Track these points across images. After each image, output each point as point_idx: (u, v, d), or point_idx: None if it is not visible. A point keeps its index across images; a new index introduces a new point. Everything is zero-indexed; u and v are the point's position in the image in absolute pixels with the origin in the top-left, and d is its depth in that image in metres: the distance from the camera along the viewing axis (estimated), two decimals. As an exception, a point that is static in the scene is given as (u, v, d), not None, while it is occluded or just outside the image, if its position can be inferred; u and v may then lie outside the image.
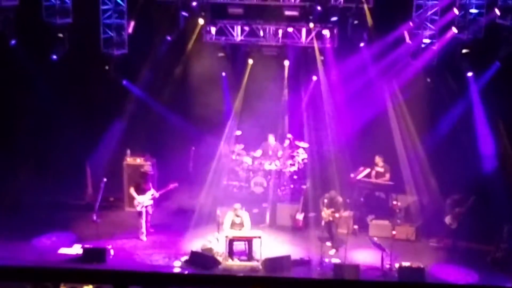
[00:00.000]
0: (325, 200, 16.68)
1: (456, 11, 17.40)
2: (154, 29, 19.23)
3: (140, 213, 16.69)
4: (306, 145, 19.64)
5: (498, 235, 16.06)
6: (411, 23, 17.89)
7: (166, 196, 18.86)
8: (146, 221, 16.86)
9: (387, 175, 18.23)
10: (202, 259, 15.64)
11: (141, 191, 16.79)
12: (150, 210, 16.85)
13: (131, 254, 16.01)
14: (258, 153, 19.47)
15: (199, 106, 20.07)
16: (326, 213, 16.61)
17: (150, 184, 17.04)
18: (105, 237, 16.18)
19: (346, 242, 16.01)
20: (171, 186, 17.12)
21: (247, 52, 19.93)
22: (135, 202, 16.72)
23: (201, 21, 19.16)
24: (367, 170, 18.43)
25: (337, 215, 16.61)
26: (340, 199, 16.82)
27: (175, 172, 19.02)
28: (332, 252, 16.36)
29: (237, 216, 16.12)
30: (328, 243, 16.51)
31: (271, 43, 19.33)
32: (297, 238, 17.13)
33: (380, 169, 18.32)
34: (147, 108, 20.00)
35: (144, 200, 16.69)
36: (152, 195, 16.83)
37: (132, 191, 16.88)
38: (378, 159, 18.31)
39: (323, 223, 16.51)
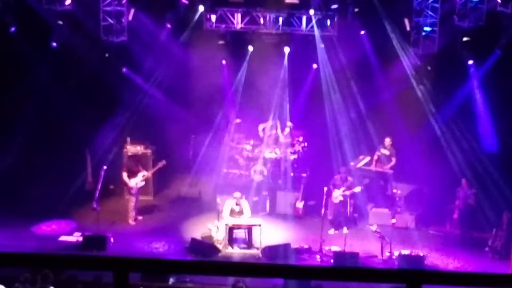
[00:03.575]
0: (336, 182, 16.80)
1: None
2: (154, 16, 19.15)
3: (131, 195, 16.89)
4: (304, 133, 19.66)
5: (497, 222, 16.09)
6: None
7: (166, 183, 18.94)
8: (134, 207, 16.99)
9: (393, 159, 18.17)
10: (202, 246, 15.67)
11: (132, 174, 17.04)
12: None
13: (131, 241, 16.03)
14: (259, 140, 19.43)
15: (199, 94, 20.03)
16: (337, 193, 16.68)
17: (140, 166, 17.24)
18: (105, 225, 16.19)
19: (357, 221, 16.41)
20: (160, 164, 17.30)
21: (247, 40, 19.87)
22: (129, 185, 16.89)
23: (201, 7, 19.09)
24: (367, 159, 18.44)
25: (347, 192, 16.71)
26: (351, 178, 16.98)
27: (175, 159, 19.03)
28: (332, 231, 16.54)
29: (237, 204, 16.14)
30: (331, 231, 16.54)
31: (271, 30, 19.26)
32: (297, 226, 17.16)
33: (386, 152, 18.25)
34: (147, 95, 19.96)
35: (136, 182, 16.91)
36: (143, 175, 17.01)
37: (125, 176, 17.01)
38: (388, 141, 18.20)
39: (322, 210, 16.32)
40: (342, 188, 16.85)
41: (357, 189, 17.04)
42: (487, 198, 17.10)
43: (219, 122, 20.31)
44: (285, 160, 19.00)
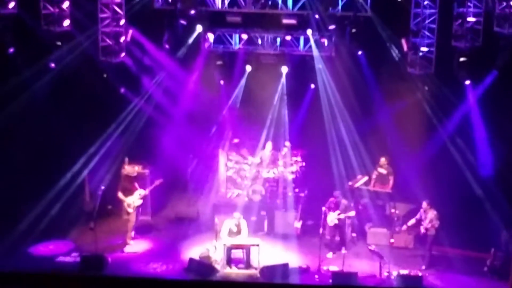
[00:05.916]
0: (331, 205, 16.78)
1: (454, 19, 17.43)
2: (152, 37, 19.23)
3: (129, 215, 16.81)
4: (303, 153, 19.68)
5: (495, 242, 16.06)
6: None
7: (164, 203, 18.93)
8: (133, 227, 16.95)
9: (391, 178, 18.21)
10: (200, 266, 15.63)
11: (128, 192, 16.98)
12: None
13: (129, 262, 15.98)
14: (257, 160, 19.43)
15: (198, 114, 20.08)
16: (332, 216, 16.69)
17: (136, 184, 17.21)
18: (103, 245, 16.14)
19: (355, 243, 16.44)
20: (157, 182, 17.29)
21: (245, 60, 19.97)
22: (125, 205, 16.86)
23: (199, 28, 19.17)
24: (365, 178, 18.45)
25: (342, 216, 16.75)
26: (345, 201, 16.98)
27: (173, 180, 19.02)
28: (330, 255, 16.45)
29: (236, 224, 16.14)
30: (329, 255, 16.51)
31: (269, 51, 19.40)
32: (295, 246, 17.11)
33: (383, 171, 18.33)
34: (145, 115, 19.98)
35: (133, 200, 16.85)
36: (140, 194, 16.98)
37: (120, 195, 17.00)
38: (384, 160, 18.28)
39: (320, 230, 16.33)
40: (337, 211, 16.84)
41: (351, 214, 17.10)
42: (484, 218, 17.12)
43: (217, 142, 20.34)
44: (284, 180, 19.00)
